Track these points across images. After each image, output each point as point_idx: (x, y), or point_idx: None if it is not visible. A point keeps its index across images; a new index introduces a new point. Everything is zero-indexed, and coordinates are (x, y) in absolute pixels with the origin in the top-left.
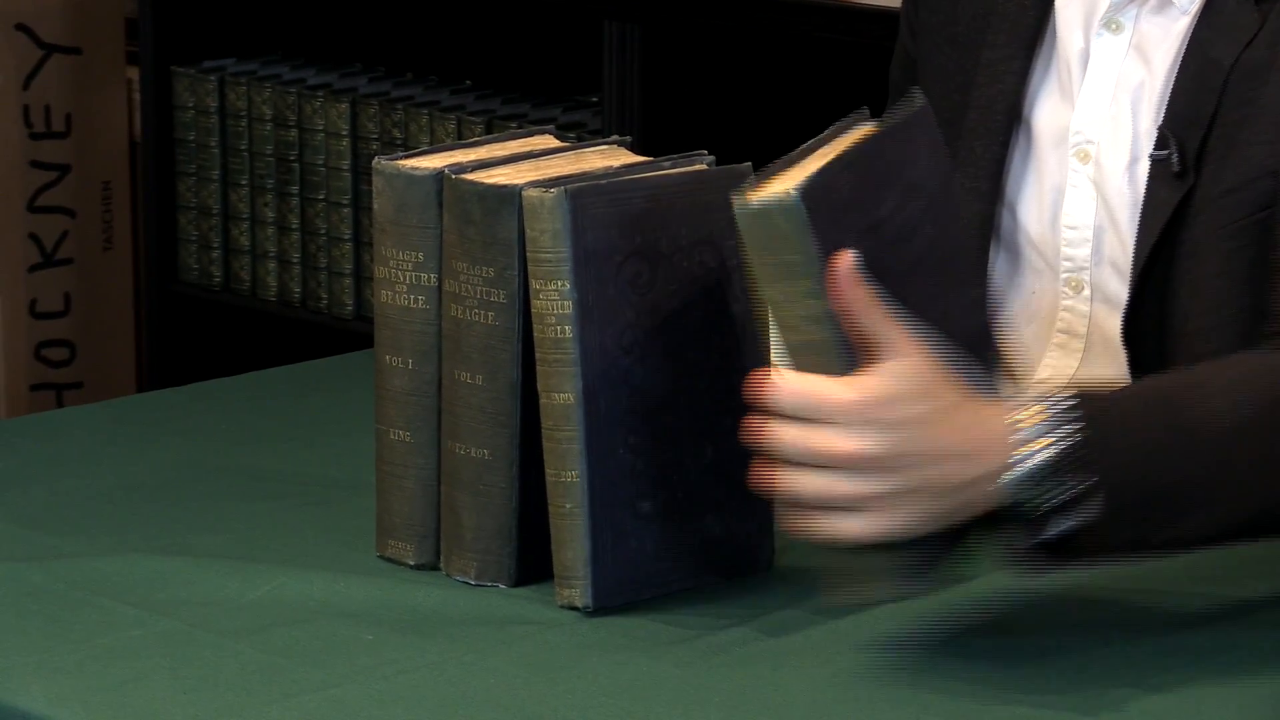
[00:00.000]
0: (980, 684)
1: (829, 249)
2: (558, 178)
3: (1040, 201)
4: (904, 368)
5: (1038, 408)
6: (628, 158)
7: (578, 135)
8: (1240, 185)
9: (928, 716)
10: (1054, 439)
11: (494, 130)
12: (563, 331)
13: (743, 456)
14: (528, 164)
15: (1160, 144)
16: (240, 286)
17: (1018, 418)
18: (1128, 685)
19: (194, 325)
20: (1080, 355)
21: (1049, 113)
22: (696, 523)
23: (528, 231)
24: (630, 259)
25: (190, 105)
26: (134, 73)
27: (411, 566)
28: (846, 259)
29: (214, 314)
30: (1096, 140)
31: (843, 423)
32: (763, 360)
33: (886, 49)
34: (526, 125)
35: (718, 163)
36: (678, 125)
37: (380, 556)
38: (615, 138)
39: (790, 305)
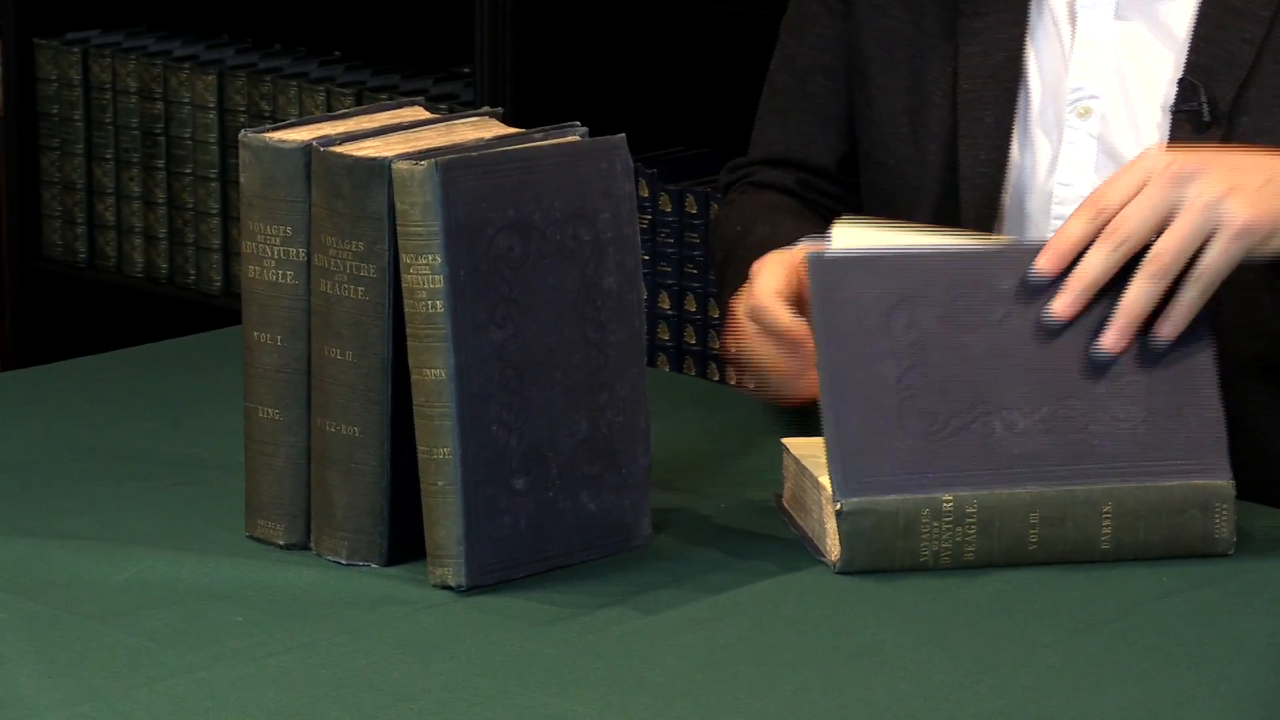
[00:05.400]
0: (865, 657)
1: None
2: (428, 150)
3: (1036, 162)
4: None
5: None
6: (499, 129)
7: (449, 107)
8: None
9: (807, 692)
10: None
11: (364, 102)
12: (434, 306)
13: (618, 432)
14: (397, 136)
15: (1185, 94)
16: (106, 263)
17: None
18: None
19: (58, 302)
20: None
21: (1049, 73)
22: (571, 500)
23: (398, 205)
24: (502, 232)
25: (53, 78)
26: None
27: (282, 546)
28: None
29: (79, 291)
30: (1100, 95)
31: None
32: (636, 334)
33: (760, 17)
34: (397, 97)
35: (591, 134)
36: (550, 96)
37: (250, 537)
38: (486, 109)
39: None
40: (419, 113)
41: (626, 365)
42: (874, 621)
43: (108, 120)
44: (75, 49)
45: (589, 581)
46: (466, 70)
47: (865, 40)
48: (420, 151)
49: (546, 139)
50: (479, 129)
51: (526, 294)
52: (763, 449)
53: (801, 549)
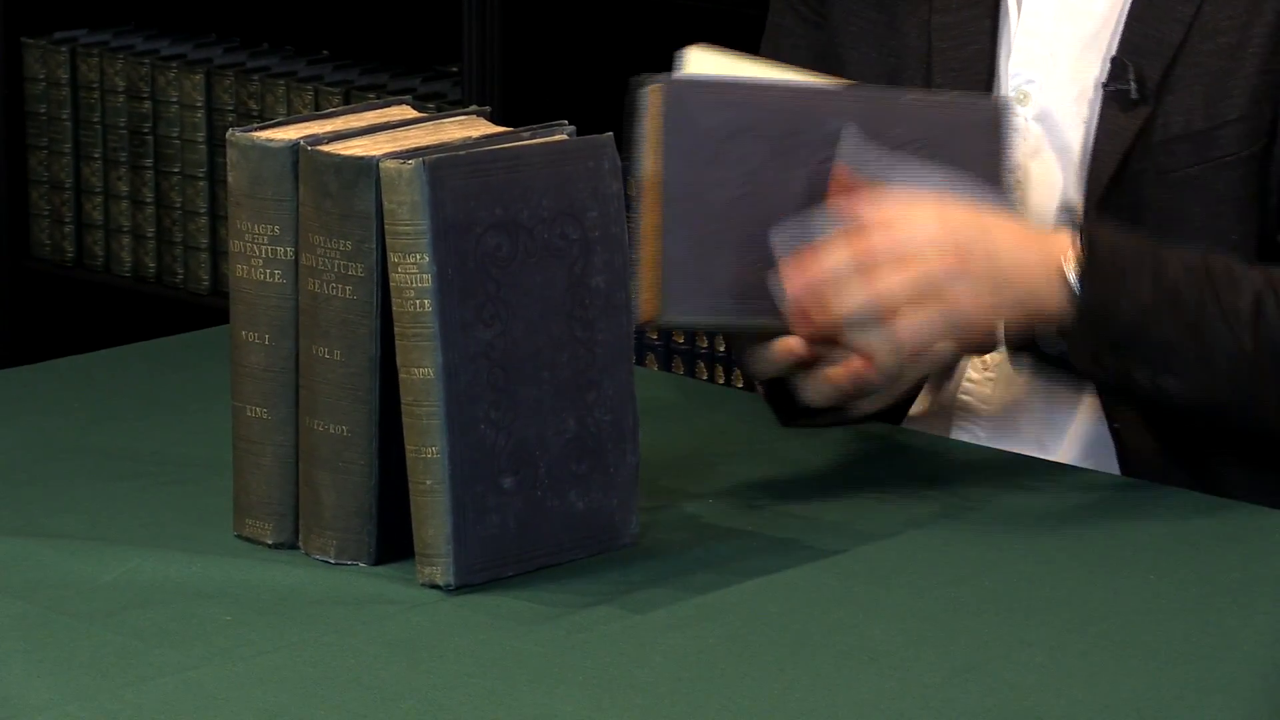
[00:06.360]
0: (852, 656)
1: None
2: (416, 149)
3: None
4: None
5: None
6: (487, 128)
7: (437, 105)
8: (1235, 117)
9: (795, 690)
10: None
11: (352, 101)
12: (422, 305)
13: (605, 431)
14: (385, 135)
15: (1116, 73)
16: (94, 262)
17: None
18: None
19: (47, 302)
20: None
21: (1001, 60)
22: (559, 498)
23: (386, 204)
24: (490, 231)
25: (41, 77)
26: None
27: (270, 546)
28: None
29: (67, 290)
30: (1035, 79)
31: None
32: (624, 333)
33: (749, 15)
34: (384, 96)
35: (579, 133)
36: (538, 95)
37: (238, 536)
38: (474, 108)
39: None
40: (406, 111)
41: (614, 364)
42: (862, 620)
43: (95, 119)
44: (63, 48)
45: (577, 580)
46: (454, 69)
47: (841, 44)
48: (408, 150)
49: (534, 138)
50: (467, 128)
51: (514, 293)
52: (750, 448)
53: (789, 548)
